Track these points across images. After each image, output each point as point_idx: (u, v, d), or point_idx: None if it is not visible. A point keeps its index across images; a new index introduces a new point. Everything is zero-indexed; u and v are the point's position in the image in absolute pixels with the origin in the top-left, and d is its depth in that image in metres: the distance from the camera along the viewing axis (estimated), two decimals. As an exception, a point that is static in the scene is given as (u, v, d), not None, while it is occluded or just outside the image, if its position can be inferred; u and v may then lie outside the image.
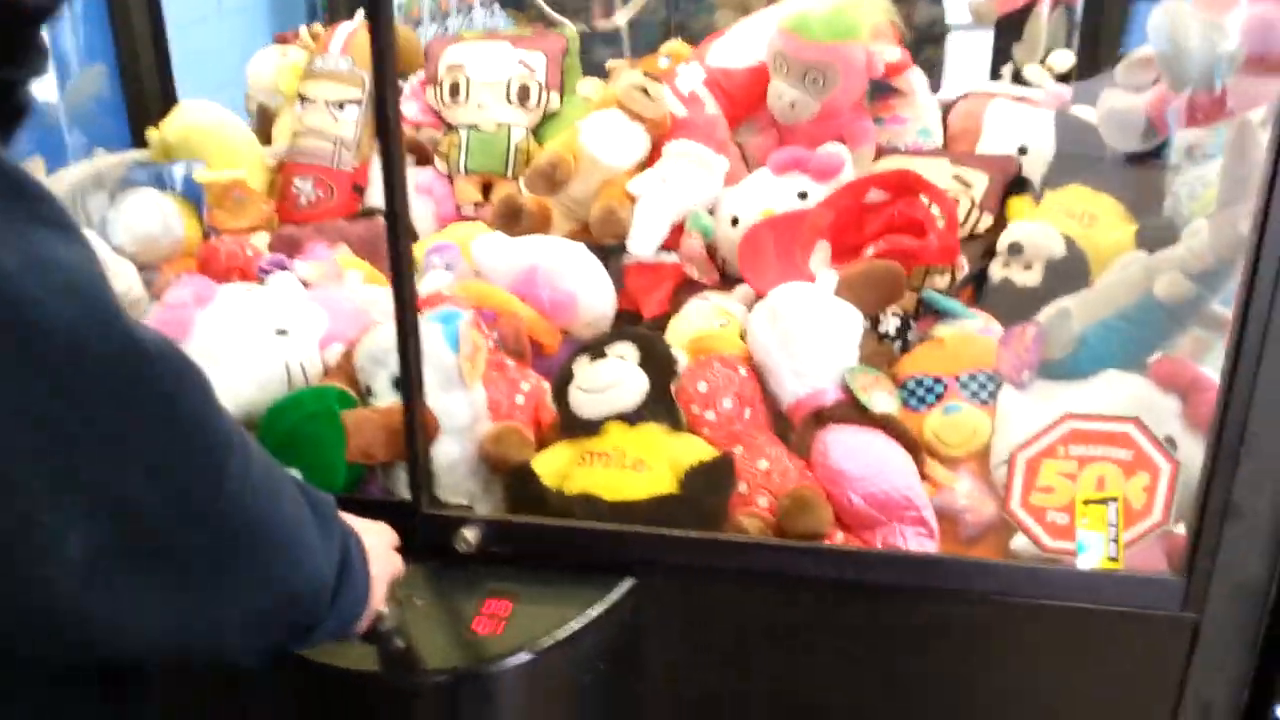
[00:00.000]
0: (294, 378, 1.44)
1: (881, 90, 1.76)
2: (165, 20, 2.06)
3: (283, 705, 1.27)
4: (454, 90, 1.90)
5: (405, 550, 1.22)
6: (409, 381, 1.23)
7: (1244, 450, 1.05)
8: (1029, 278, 1.52)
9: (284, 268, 1.63)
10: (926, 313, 1.52)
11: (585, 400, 1.37)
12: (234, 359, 1.42)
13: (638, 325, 1.64)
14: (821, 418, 1.34)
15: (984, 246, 1.59)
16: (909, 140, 1.77)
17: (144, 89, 2.11)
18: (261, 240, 1.82)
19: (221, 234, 1.84)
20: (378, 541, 1.04)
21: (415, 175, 1.91)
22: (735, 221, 1.66)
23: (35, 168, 1.83)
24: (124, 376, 0.68)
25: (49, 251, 0.65)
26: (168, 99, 2.11)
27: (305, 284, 1.62)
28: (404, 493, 1.39)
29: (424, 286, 1.67)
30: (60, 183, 1.78)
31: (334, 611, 0.89)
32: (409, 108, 1.94)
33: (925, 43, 3.01)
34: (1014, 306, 1.48)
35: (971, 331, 1.44)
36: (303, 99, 1.92)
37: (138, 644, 0.76)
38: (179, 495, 0.71)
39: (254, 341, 1.43)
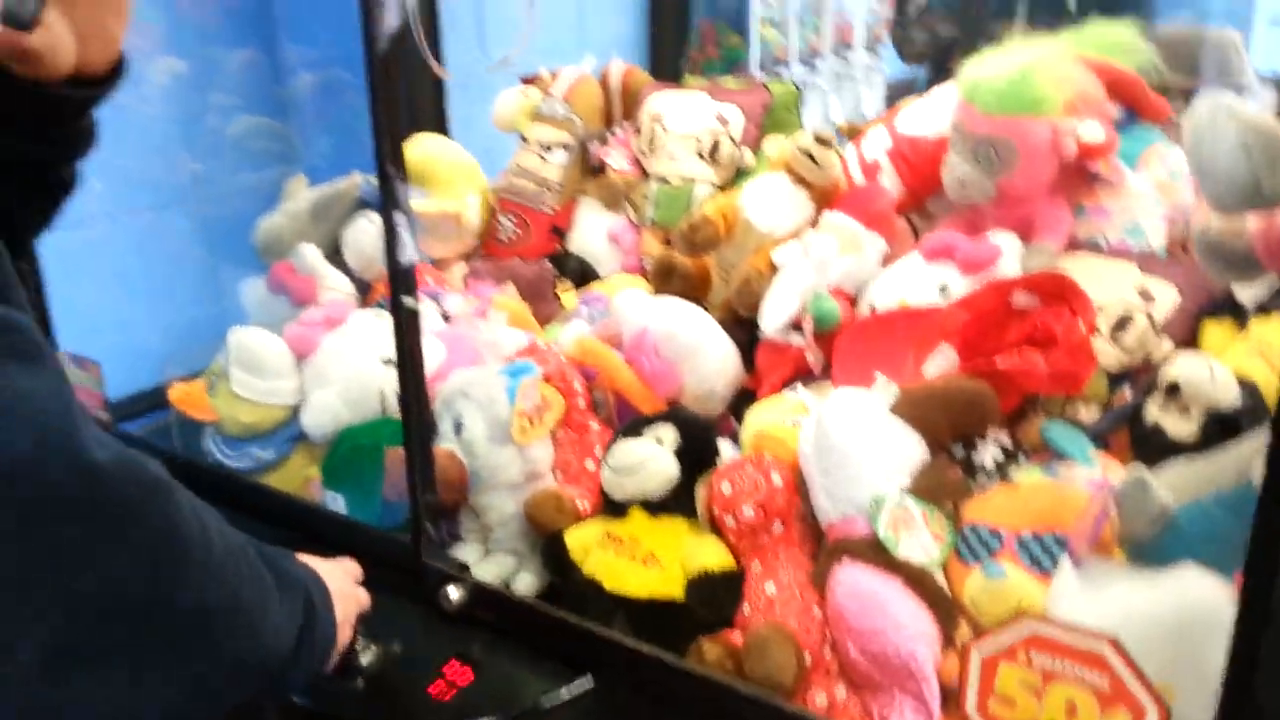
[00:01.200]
0: (389, 407, 1.51)
1: (1089, 174, 1.49)
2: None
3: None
4: (650, 140, 1.88)
5: (402, 592, 1.26)
6: (409, 426, 1.25)
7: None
8: (1184, 428, 1.21)
9: (435, 298, 1.72)
10: (1049, 447, 1.27)
11: (611, 480, 1.31)
12: (339, 380, 1.53)
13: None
14: (839, 550, 1.17)
15: (1154, 378, 1.29)
16: (1114, 237, 1.48)
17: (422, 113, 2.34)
18: (460, 270, 1.93)
19: (434, 261, 1.99)
20: (343, 582, 1.09)
21: (607, 223, 1.92)
22: (872, 310, 1.49)
23: (298, 185, 2.09)
24: (79, 497, 0.71)
25: (13, 383, 0.69)
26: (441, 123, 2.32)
27: (447, 318, 1.70)
28: (469, 540, 1.43)
29: (564, 335, 1.69)
30: (305, 200, 2.00)
31: (298, 665, 0.94)
32: (615, 156, 1.96)
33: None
34: (1161, 460, 1.19)
35: (1068, 481, 1.18)
36: (524, 139, 2.01)
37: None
38: (135, 600, 0.75)
39: (360, 367, 1.53)
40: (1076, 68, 1.44)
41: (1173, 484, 1.06)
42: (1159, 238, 1.49)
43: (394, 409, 1.52)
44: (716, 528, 1.26)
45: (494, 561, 1.40)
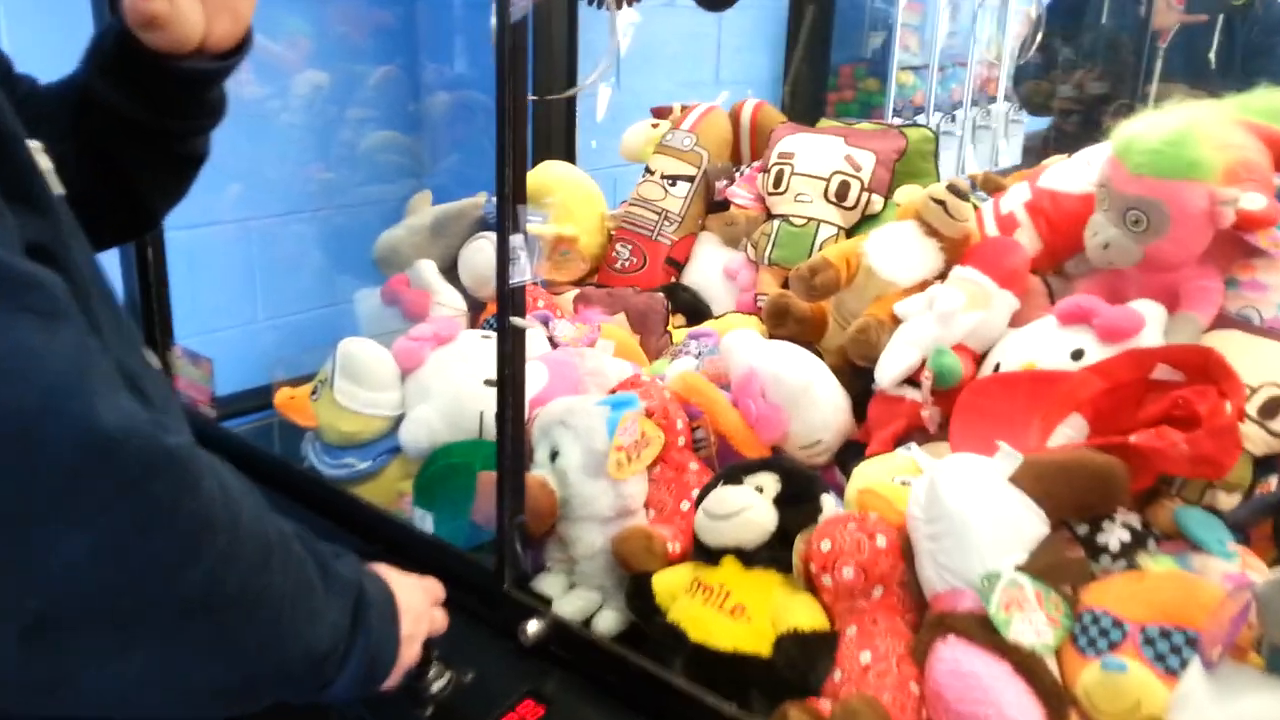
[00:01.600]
0: (487, 429, 1.49)
1: (1246, 246, 1.38)
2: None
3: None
4: (778, 179, 1.83)
5: (482, 619, 1.23)
6: (503, 450, 1.22)
7: None
8: (1337, 526, 1.10)
9: (545, 322, 1.70)
10: (1183, 535, 1.17)
11: (706, 525, 1.25)
12: (440, 397, 1.52)
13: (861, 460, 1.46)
14: (944, 623, 1.09)
15: (1307, 470, 1.18)
16: (1269, 314, 1.37)
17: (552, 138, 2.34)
18: (572, 295, 1.91)
19: (549, 284, 1.98)
20: (417, 598, 1.05)
21: (724, 258, 1.88)
22: (997, 370, 1.41)
23: (422, 200, 2.10)
24: (78, 462, 0.67)
25: (26, 340, 0.67)
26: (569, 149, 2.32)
27: (554, 343, 1.68)
28: (554, 570, 1.40)
29: (670, 370, 1.64)
30: (427, 216, 2.01)
31: (346, 671, 0.89)
32: (739, 192, 1.91)
33: None
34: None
35: (1201, 573, 1.08)
36: (648, 170, 1.99)
37: (97, 703, 0.75)
38: (131, 576, 0.71)
39: (462, 386, 1.51)
40: (1239, 132, 1.34)
41: (1325, 590, 0.95)
42: (1319, 316, 1.37)
43: (491, 431, 1.49)
44: (812, 586, 1.20)
45: (578, 595, 1.36)
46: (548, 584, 1.35)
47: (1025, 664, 1.04)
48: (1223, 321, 1.38)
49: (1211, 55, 2.51)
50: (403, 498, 1.46)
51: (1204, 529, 1.15)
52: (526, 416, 1.48)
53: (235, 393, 1.81)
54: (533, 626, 1.21)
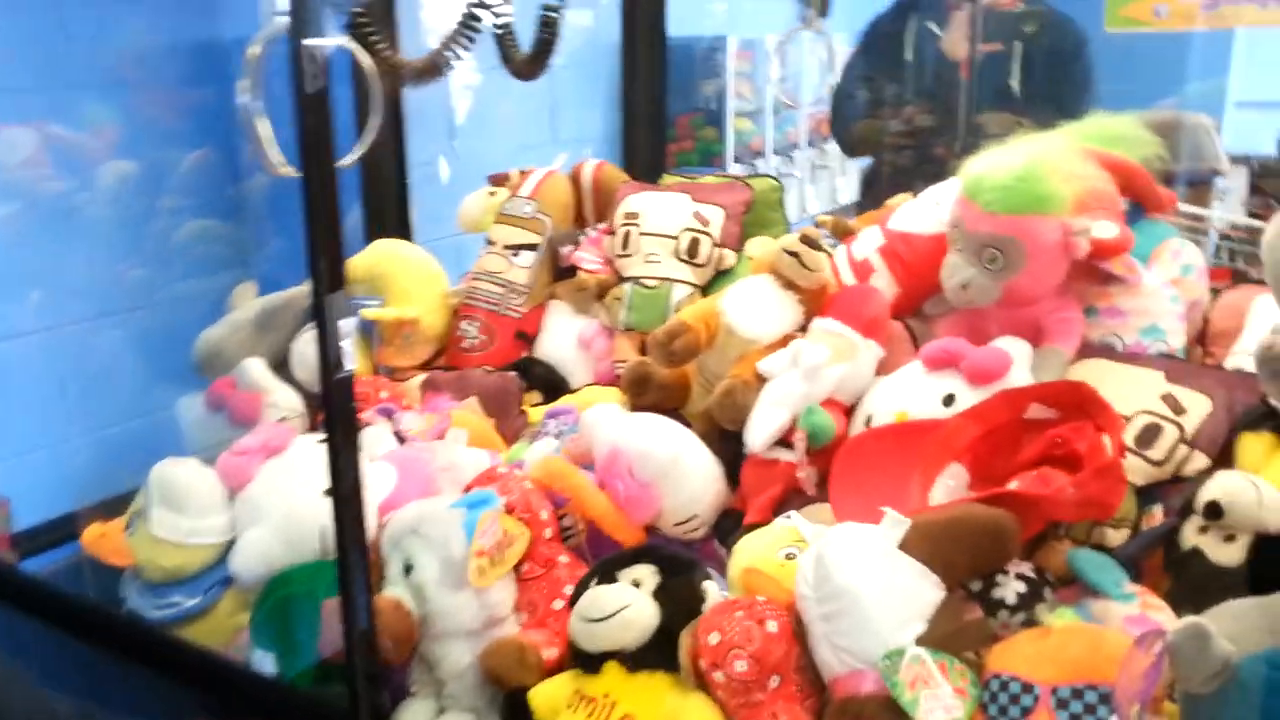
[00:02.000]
0: (330, 546, 1.35)
1: (1100, 274, 1.37)
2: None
3: None
4: (625, 240, 1.75)
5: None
6: (344, 573, 1.09)
7: None
8: (1228, 554, 1.07)
9: (389, 416, 1.57)
10: (1078, 578, 1.12)
11: (581, 630, 1.14)
12: (274, 516, 1.36)
13: (740, 531, 1.37)
14: (848, 710, 1.01)
15: (1189, 497, 1.15)
16: (1130, 339, 1.35)
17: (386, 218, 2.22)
18: (418, 382, 1.78)
19: (393, 371, 1.84)
20: None
21: (577, 327, 1.78)
22: (870, 423, 1.35)
23: (246, 292, 1.95)
24: None
25: None
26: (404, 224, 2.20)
27: (402, 438, 1.55)
28: (419, 695, 1.26)
29: (530, 454, 1.53)
30: (250, 309, 1.86)
31: None
32: (586, 256, 1.83)
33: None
34: (1202, 591, 1.05)
35: (1103, 620, 1.03)
36: (489, 241, 1.88)
37: None
38: None
39: (298, 501, 1.37)
40: (1085, 162, 1.33)
41: (1232, 632, 0.91)
42: (1179, 338, 1.36)
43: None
44: (705, 683, 1.10)
45: (449, 720, 1.22)
46: (414, 712, 1.21)
47: (939, 747, 0.96)
48: (1087, 351, 1.36)
49: (1014, 83, 2.58)
50: (240, 633, 1.30)
51: (1098, 572, 1.10)
52: (375, 525, 1.36)
53: (44, 522, 1.61)
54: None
